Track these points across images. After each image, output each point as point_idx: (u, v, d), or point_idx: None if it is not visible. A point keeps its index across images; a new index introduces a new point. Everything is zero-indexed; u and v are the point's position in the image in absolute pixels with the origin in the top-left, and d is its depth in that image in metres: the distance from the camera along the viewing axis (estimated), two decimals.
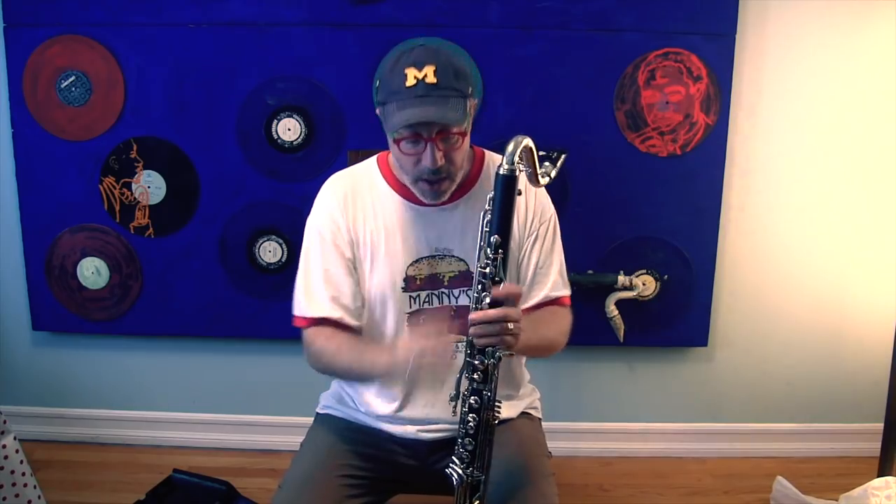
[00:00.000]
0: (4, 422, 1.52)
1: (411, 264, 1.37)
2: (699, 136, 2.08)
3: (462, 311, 1.36)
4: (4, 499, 1.52)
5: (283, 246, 2.17)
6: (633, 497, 2.12)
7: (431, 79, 1.21)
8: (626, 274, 2.13)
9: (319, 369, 1.39)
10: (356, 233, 1.38)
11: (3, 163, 2.17)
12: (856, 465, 2.23)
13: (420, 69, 1.21)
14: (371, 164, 1.44)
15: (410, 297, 1.38)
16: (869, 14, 2.04)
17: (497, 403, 1.21)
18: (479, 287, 1.17)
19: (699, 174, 2.10)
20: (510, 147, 1.13)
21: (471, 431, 1.20)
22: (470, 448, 1.20)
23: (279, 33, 2.04)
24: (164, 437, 2.34)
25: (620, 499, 2.12)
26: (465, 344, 1.19)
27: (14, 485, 1.53)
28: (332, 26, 2.03)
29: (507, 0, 2.00)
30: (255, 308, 2.20)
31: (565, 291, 1.44)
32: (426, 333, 1.25)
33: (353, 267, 1.39)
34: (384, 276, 1.38)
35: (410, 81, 1.21)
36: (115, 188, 2.15)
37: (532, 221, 1.40)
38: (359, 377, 1.40)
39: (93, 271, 2.21)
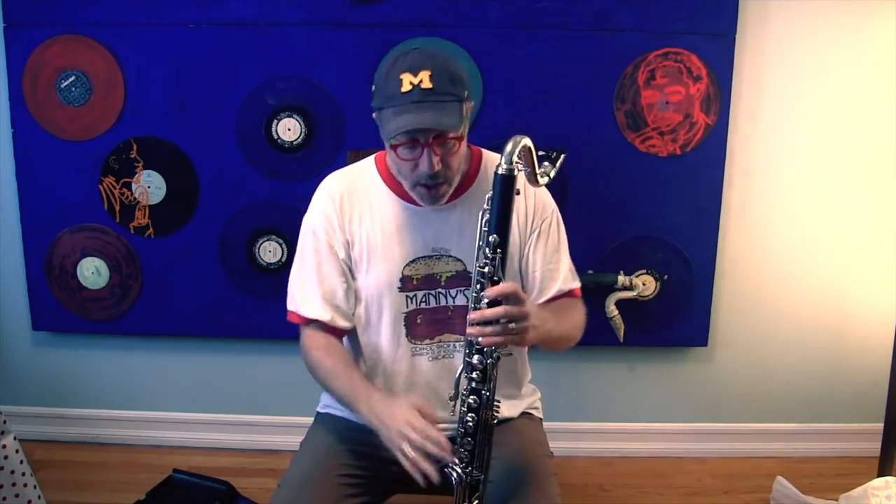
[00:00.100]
0: (4, 422, 1.52)
1: (408, 264, 1.37)
2: (699, 136, 2.08)
3: (459, 311, 1.36)
4: (4, 499, 1.52)
5: (283, 246, 2.18)
6: (634, 497, 2.12)
7: (427, 84, 1.21)
8: (626, 274, 2.13)
9: (309, 372, 1.41)
10: (352, 233, 1.38)
11: (3, 163, 2.17)
12: (856, 465, 2.23)
13: (415, 74, 1.21)
14: (369, 163, 1.44)
15: (407, 297, 1.38)
16: (869, 14, 2.04)
17: (496, 403, 1.21)
18: (478, 286, 1.17)
19: (699, 174, 2.10)
20: (509, 147, 1.13)
21: (470, 431, 1.20)
22: (469, 447, 1.20)
23: (279, 33, 2.04)
24: (164, 437, 2.34)
25: (621, 499, 2.12)
26: (463, 343, 1.19)
27: (14, 485, 1.53)
28: (332, 26, 2.03)
29: (507, 0, 2.00)
30: (255, 308, 2.20)
31: (576, 284, 1.45)
32: (413, 420, 1.17)
33: (348, 267, 1.39)
34: (380, 276, 1.38)
35: (406, 87, 1.21)
36: (115, 188, 2.16)
37: (533, 219, 1.40)
38: (343, 406, 1.39)
39: (93, 271, 2.21)
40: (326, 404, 1.52)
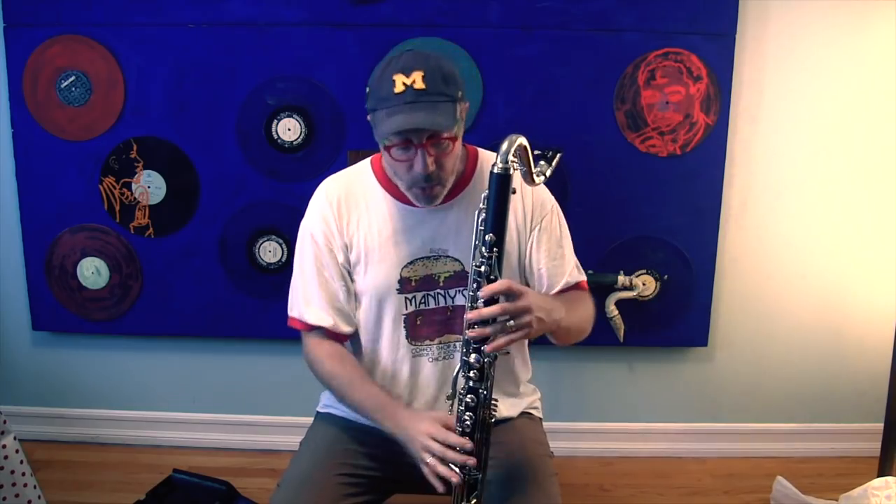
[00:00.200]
0: (4, 422, 1.52)
1: (406, 266, 1.37)
2: (699, 136, 2.08)
3: (459, 311, 1.36)
4: (4, 499, 1.52)
5: (283, 246, 2.18)
6: (634, 497, 2.12)
7: (420, 84, 1.20)
8: (626, 274, 2.13)
9: (320, 381, 1.42)
10: (350, 236, 1.38)
11: (3, 163, 2.17)
12: (856, 465, 2.23)
13: (408, 75, 1.21)
14: (365, 166, 1.44)
15: (406, 298, 1.38)
16: (869, 14, 2.04)
17: (494, 401, 1.21)
18: (475, 286, 1.17)
19: (699, 174, 2.10)
20: (504, 145, 1.13)
21: (468, 430, 1.20)
22: (467, 446, 1.20)
23: (279, 33, 2.04)
24: (164, 437, 2.34)
25: (621, 499, 2.12)
26: (461, 342, 1.20)
27: (14, 485, 1.53)
28: (332, 26, 2.03)
29: (507, 0, 2.00)
30: (255, 308, 2.20)
31: (582, 277, 1.45)
32: (434, 431, 1.20)
33: (347, 271, 1.39)
34: (379, 279, 1.38)
35: (399, 88, 1.21)
36: (115, 188, 2.16)
37: (532, 217, 1.40)
38: (362, 415, 1.38)
39: (93, 271, 2.21)
40: (326, 404, 1.52)
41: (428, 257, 1.38)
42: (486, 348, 1.15)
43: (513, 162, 1.13)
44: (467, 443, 1.18)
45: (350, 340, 1.45)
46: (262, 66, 2.06)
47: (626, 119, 2.07)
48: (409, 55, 1.25)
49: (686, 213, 2.12)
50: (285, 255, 2.18)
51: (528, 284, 1.41)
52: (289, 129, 2.10)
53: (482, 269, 1.16)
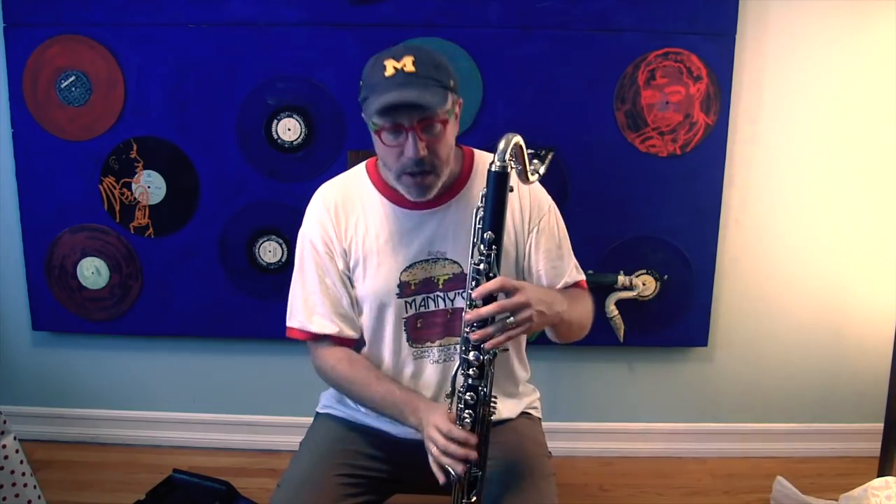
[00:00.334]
0: (4, 422, 1.52)
1: (405, 270, 1.37)
2: (699, 136, 2.08)
3: (459, 314, 1.36)
4: (4, 499, 1.52)
5: (283, 246, 2.18)
6: (633, 497, 2.12)
7: (410, 68, 1.21)
8: (626, 274, 2.13)
9: (335, 388, 1.43)
10: (348, 242, 1.38)
11: (3, 163, 2.17)
12: (856, 465, 2.23)
13: (399, 60, 1.22)
14: (360, 170, 1.43)
15: (406, 302, 1.38)
16: (870, 14, 2.04)
17: (493, 399, 1.21)
18: (474, 284, 1.17)
19: (699, 174, 2.10)
20: (501, 144, 1.13)
21: (467, 427, 1.20)
22: (472, 441, 1.20)
23: (279, 33, 2.04)
24: (164, 437, 2.34)
25: (620, 499, 2.12)
26: (460, 341, 1.20)
27: (14, 485, 1.53)
28: (332, 26, 2.03)
29: (507, 0, 2.01)
30: (255, 308, 2.20)
31: (582, 276, 1.45)
32: (441, 424, 1.21)
33: (348, 277, 1.39)
34: (378, 284, 1.37)
35: (389, 71, 1.21)
36: (115, 188, 2.16)
37: (530, 218, 1.39)
38: (381, 413, 1.38)
39: (93, 271, 2.21)
40: (326, 404, 1.51)
41: (427, 260, 1.37)
42: (487, 345, 1.15)
43: (510, 160, 1.14)
44: (472, 437, 1.18)
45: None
46: (262, 66, 2.06)
47: (626, 119, 2.07)
48: (401, 46, 1.26)
49: (686, 213, 2.12)
50: (285, 255, 2.18)
51: None
52: (289, 129, 2.10)
53: (481, 266, 1.16)
